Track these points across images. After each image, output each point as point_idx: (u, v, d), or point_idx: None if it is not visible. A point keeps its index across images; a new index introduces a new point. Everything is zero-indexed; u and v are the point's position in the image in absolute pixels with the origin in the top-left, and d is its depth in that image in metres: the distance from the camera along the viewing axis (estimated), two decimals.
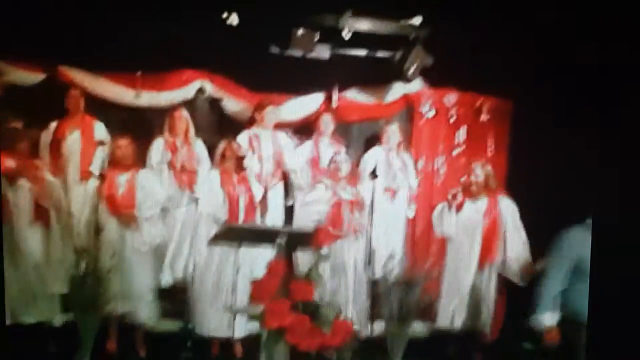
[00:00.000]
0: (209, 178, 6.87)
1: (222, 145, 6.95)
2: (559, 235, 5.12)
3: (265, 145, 7.53)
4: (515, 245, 6.94)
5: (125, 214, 6.61)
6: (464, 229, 7.02)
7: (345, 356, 6.58)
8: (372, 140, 8.01)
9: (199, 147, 7.37)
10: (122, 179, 6.68)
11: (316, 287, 4.80)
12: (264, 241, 5.47)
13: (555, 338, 5.01)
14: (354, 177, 7.28)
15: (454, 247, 7.08)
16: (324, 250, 5.16)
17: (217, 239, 5.71)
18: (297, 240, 5.43)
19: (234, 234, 5.57)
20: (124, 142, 6.79)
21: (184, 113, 7.38)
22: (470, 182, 7.04)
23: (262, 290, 4.79)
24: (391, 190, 7.63)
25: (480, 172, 7.06)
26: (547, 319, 5.01)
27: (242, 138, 7.42)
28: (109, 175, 6.63)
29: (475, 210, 7.05)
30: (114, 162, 6.74)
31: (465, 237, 7.03)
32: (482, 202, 7.05)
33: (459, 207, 7.01)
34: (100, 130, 7.29)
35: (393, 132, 7.74)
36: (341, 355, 6.50)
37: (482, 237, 7.01)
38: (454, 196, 7.01)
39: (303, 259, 5.94)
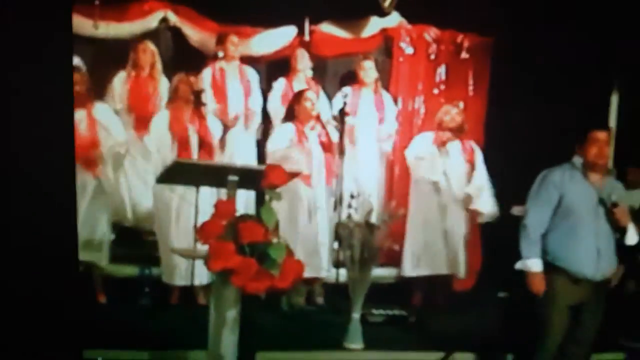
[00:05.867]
0: (158, 118, 6.38)
1: (175, 79, 6.42)
2: (541, 174, 4.85)
3: (231, 81, 7.10)
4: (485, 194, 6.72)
5: (88, 154, 6.10)
6: (448, 171, 6.73)
7: (297, 300, 6.40)
8: (348, 77, 7.57)
9: (164, 85, 6.92)
10: (79, 116, 6.09)
11: (267, 227, 4.46)
12: (215, 179, 5.09)
13: (541, 285, 4.73)
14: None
15: (421, 189, 6.79)
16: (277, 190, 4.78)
17: (164, 177, 5.33)
18: (251, 178, 5.06)
19: (182, 172, 5.15)
20: (77, 77, 6.12)
21: (150, 46, 6.98)
22: (448, 123, 6.74)
23: (208, 231, 4.48)
24: (365, 129, 7.21)
25: (455, 114, 6.78)
26: (533, 263, 4.74)
27: (206, 72, 7.01)
28: None
29: (456, 152, 6.76)
30: None
31: (447, 179, 6.74)
32: (458, 145, 6.77)
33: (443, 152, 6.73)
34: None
35: (370, 68, 7.30)
36: (291, 298, 6.31)
37: (465, 180, 6.76)
38: (444, 142, 6.70)
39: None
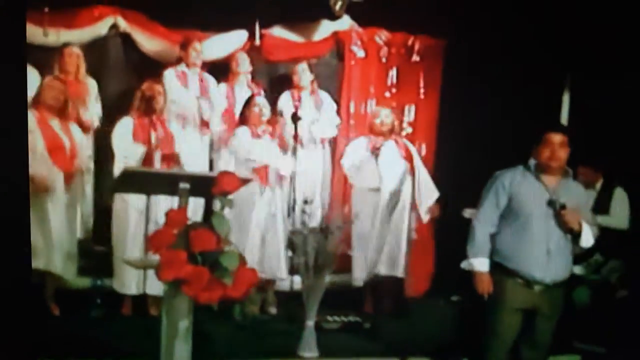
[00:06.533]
0: (121, 125, 6.27)
1: (143, 86, 6.32)
2: (493, 176, 4.82)
3: (192, 86, 7.04)
4: (425, 187, 6.76)
5: (67, 164, 6.02)
6: (388, 174, 6.73)
7: (250, 309, 6.34)
8: (284, 81, 7.55)
9: (92, 86, 6.86)
10: (56, 126, 6.04)
11: (219, 235, 4.40)
12: (166, 187, 5.00)
13: (487, 285, 4.71)
14: (275, 121, 6.79)
15: (362, 195, 6.81)
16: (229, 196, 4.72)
17: (116, 186, 5.25)
18: (202, 186, 4.99)
19: (133, 180, 5.07)
20: (58, 85, 6.15)
21: (75, 50, 6.84)
22: (379, 126, 6.80)
23: (159, 240, 4.41)
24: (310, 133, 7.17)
25: (385, 116, 6.83)
26: (478, 263, 4.72)
27: (169, 76, 6.92)
28: (42, 120, 5.93)
29: (391, 153, 6.78)
30: (44, 105, 6.01)
31: (390, 182, 6.74)
32: (392, 145, 6.80)
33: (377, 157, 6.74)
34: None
35: (303, 71, 7.28)
36: (245, 307, 6.24)
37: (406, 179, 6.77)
38: (377, 147, 6.73)
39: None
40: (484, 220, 4.75)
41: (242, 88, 7.18)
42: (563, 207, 4.56)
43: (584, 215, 4.70)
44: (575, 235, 4.65)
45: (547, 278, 4.57)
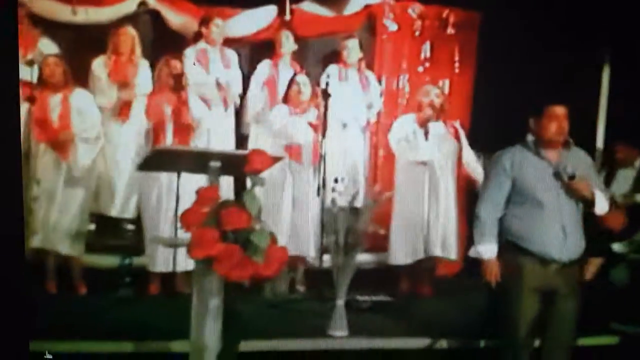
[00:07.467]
0: (139, 104, 6.39)
1: (159, 64, 6.41)
2: (494, 156, 4.68)
3: (214, 63, 6.96)
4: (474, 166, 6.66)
5: (59, 138, 6.06)
6: (434, 150, 6.61)
7: (280, 287, 6.32)
8: (331, 58, 7.41)
9: (143, 69, 6.81)
10: (54, 101, 6.11)
11: (250, 213, 4.35)
12: (196, 166, 4.96)
13: (495, 272, 4.54)
14: (314, 100, 6.67)
15: (408, 172, 6.66)
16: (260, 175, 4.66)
17: (145, 164, 5.20)
18: (233, 164, 4.94)
19: (162, 159, 5.03)
20: (53, 60, 6.21)
21: (130, 30, 6.83)
22: (427, 104, 6.61)
23: (190, 218, 4.38)
24: (350, 111, 7.06)
25: (435, 95, 6.65)
26: (485, 250, 4.56)
27: (189, 54, 6.86)
28: (40, 97, 6.00)
29: (440, 131, 6.64)
30: (45, 83, 6.13)
31: (439, 161, 6.63)
32: (440, 125, 6.65)
33: (427, 132, 6.60)
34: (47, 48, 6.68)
35: (353, 48, 7.15)
36: (275, 286, 6.23)
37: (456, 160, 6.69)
38: (425, 121, 6.57)
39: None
40: (489, 206, 4.59)
41: (286, 67, 7.07)
42: (572, 177, 4.39)
43: (594, 181, 4.55)
44: (589, 205, 4.49)
45: (564, 256, 4.42)
